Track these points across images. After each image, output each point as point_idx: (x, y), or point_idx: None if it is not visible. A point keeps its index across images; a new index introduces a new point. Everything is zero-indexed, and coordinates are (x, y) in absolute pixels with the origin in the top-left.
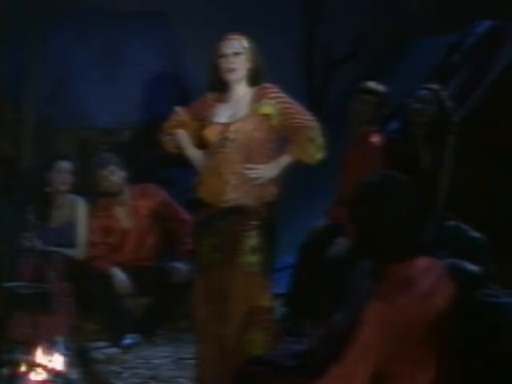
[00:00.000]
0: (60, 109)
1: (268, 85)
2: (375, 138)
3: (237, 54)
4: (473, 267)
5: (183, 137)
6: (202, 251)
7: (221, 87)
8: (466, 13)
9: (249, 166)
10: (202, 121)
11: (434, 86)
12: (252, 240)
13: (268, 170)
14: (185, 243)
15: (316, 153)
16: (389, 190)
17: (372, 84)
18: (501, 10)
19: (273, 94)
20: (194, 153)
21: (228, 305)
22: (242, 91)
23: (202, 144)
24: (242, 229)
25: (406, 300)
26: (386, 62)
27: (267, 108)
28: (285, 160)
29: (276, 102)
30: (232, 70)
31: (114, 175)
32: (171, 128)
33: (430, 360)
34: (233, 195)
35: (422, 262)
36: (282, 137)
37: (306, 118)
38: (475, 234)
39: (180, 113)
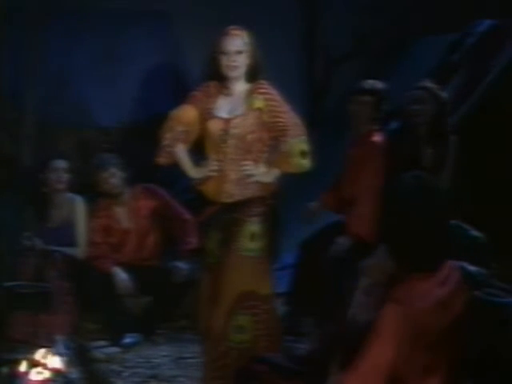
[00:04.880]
0: (60, 108)
1: (262, 81)
2: (377, 137)
3: (239, 52)
4: (472, 268)
5: (182, 153)
6: (208, 248)
7: (219, 80)
8: (466, 12)
9: (245, 162)
10: (205, 112)
11: (428, 84)
12: (252, 226)
13: (263, 175)
14: (186, 242)
15: (298, 162)
16: (423, 196)
17: (368, 83)
18: (501, 9)
19: (263, 90)
20: (192, 170)
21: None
22: (241, 87)
23: (203, 137)
24: (244, 215)
25: (423, 306)
26: (387, 61)
27: (258, 102)
28: (276, 172)
29: (265, 99)
30: (234, 68)
31: (114, 177)
32: (174, 138)
33: (440, 366)
34: (235, 190)
35: (444, 269)
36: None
37: (288, 120)
38: (475, 233)
39: (189, 110)
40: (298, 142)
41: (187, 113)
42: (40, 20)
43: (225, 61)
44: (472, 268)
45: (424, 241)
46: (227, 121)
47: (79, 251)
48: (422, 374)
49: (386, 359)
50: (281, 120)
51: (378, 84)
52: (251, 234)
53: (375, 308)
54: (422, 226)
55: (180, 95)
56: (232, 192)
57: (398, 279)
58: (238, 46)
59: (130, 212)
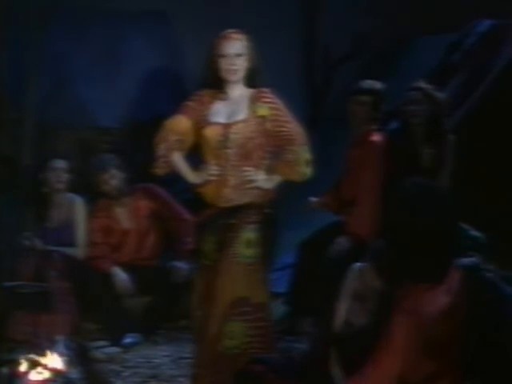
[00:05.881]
0: (60, 108)
1: (265, 89)
2: (376, 137)
3: (238, 55)
4: (469, 259)
5: (178, 160)
6: (204, 250)
7: (216, 85)
8: (466, 12)
9: (247, 168)
10: (200, 120)
11: (422, 85)
12: (249, 233)
13: (263, 181)
14: (185, 243)
15: (302, 171)
16: (426, 206)
17: (367, 83)
18: (501, 9)
19: (268, 99)
20: (190, 175)
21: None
22: (238, 90)
23: (200, 143)
24: (241, 222)
25: (432, 315)
26: (386, 61)
27: (262, 110)
28: (277, 178)
29: (269, 107)
30: (233, 72)
31: (115, 178)
32: (168, 148)
33: (447, 373)
34: (234, 196)
35: (449, 276)
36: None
37: (293, 130)
38: (475, 233)
39: (182, 121)
40: (303, 150)
41: (180, 122)
42: (40, 20)
43: (224, 64)
44: (469, 260)
45: (428, 252)
46: (226, 126)
47: (79, 251)
48: (429, 381)
49: (397, 369)
50: (286, 129)
51: (377, 84)
52: (247, 240)
53: (370, 313)
54: (426, 238)
55: (180, 95)
56: (230, 197)
57: (403, 288)
58: (237, 49)
59: (129, 212)
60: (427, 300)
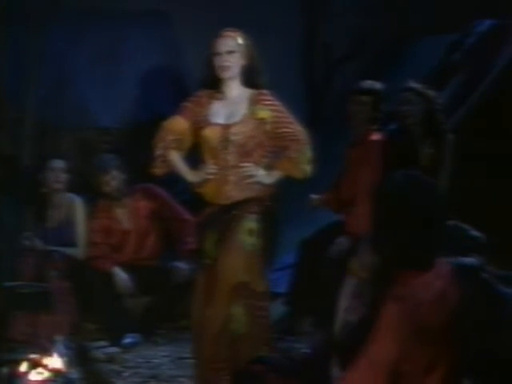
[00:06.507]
0: (60, 108)
1: (264, 91)
2: (375, 137)
3: (231, 52)
4: (469, 259)
5: (176, 159)
6: (205, 248)
7: (214, 84)
8: (466, 12)
9: (246, 164)
10: (199, 121)
11: (413, 85)
12: (251, 223)
13: (263, 176)
14: (186, 243)
15: (305, 168)
16: (412, 192)
17: (367, 84)
18: (501, 9)
19: (267, 102)
20: (189, 174)
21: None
22: (236, 90)
23: (199, 143)
24: (243, 212)
25: (423, 300)
26: (386, 61)
27: (263, 113)
28: (277, 174)
29: (270, 110)
30: (226, 68)
31: (115, 179)
32: (166, 147)
33: (441, 363)
34: (234, 193)
35: (437, 265)
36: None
37: (296, 130)
38: (475, 233)
39: (180, 121)
40: (306, 149)
41: (177, 123)
42: (40, 20)
43: (217, 62)
44: (468, 260)
45: (414, 238)
46: (226, 127)
47: (79, 251)
48: (423, 371)
49: (386, 357)
50: (288, 130)
51: (377, 84)
52: (249, 229)
53: (365, 306)
54: (411, 224)
55: (180, 95)
56: (231, 194)
57: (392, 275)
58: (229, 47)
59: (129, 213)
60: (416, 286)
